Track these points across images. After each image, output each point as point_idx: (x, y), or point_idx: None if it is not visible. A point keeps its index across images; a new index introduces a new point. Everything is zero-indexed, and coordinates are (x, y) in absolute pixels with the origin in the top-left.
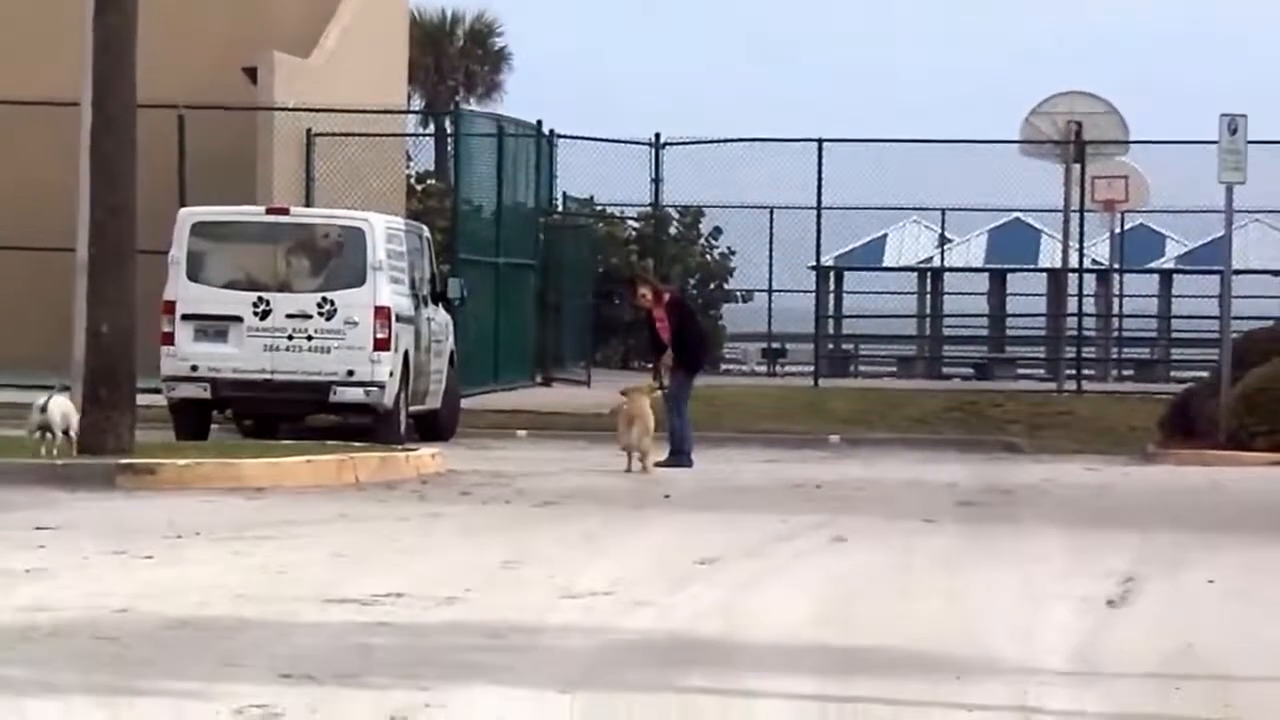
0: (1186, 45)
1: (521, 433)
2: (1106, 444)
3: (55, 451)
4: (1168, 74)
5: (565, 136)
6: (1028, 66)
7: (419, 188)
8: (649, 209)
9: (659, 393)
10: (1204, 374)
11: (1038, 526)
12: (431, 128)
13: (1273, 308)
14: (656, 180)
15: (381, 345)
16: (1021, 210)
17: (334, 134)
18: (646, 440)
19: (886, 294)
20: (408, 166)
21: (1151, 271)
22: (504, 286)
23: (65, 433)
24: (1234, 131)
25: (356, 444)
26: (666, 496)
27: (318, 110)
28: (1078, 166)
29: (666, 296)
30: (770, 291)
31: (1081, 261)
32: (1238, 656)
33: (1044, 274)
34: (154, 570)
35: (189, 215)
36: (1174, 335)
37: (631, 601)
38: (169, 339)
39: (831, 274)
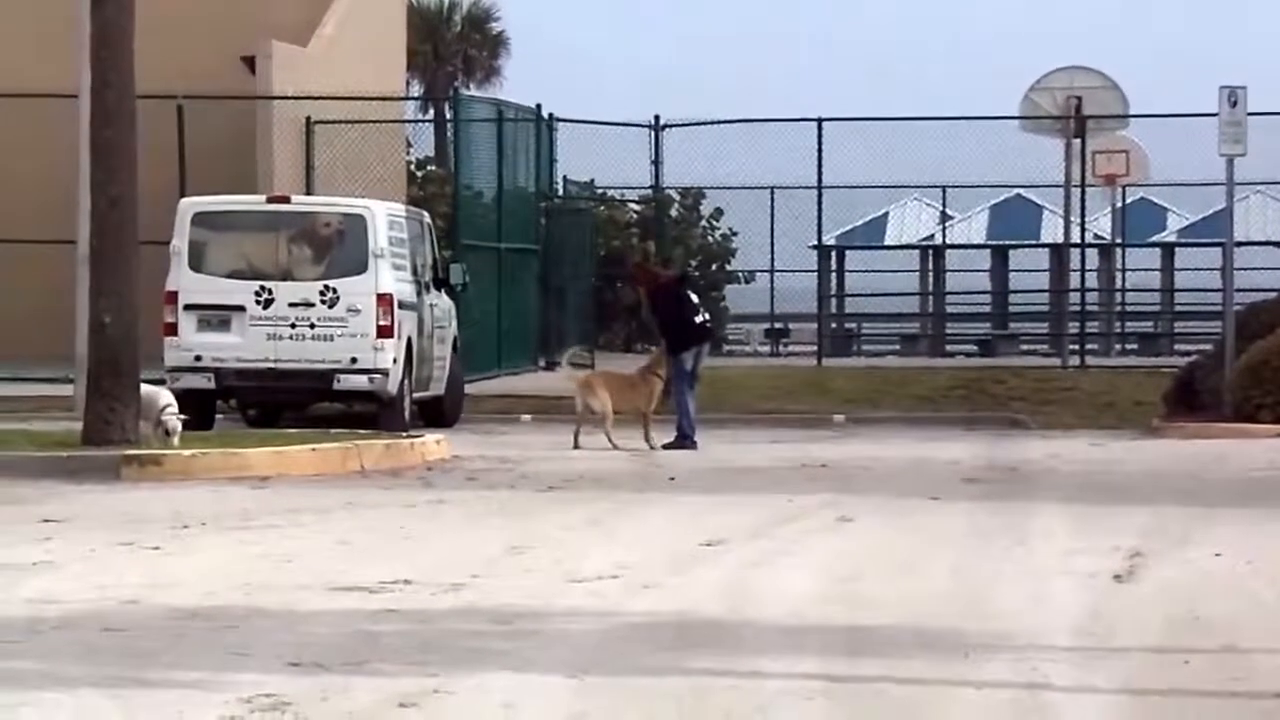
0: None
1: (526, 417)
2: (1111, 419)
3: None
4: (1168, 44)
5: (565, 120)
6: (1027, 41)
7: (419, 174)
8: (649, 191)
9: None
10: (1208, 347)
11: (1044, 503)
12: (431, 114)
13: (1275, 279)
14: (656, 162)
15: (384, 332)
16: (1023, 186)
17: (333, 121)
18: (595, 412)
19: (889, 272)
20: (407, 153)
21: (1153, 245)
22: (506, 271)
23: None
24: (1234, 104)
25: (361, 431)
26: (671, 479)
27: (317, 98)
28: (1078, 141)
29: (661, 280)
30: (772, 272)
31: (1083, 236)
32: (1246, 629)
33: (1046, 249)
34: (161, 561)
35: (190, 205)
36: (1177, 309)
37: (638, 584)
38: (172, 330)
39: (833, 253)
